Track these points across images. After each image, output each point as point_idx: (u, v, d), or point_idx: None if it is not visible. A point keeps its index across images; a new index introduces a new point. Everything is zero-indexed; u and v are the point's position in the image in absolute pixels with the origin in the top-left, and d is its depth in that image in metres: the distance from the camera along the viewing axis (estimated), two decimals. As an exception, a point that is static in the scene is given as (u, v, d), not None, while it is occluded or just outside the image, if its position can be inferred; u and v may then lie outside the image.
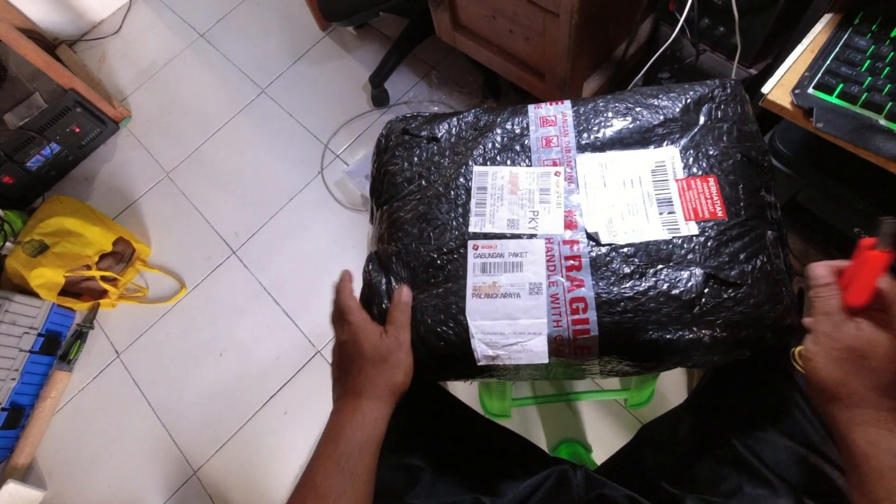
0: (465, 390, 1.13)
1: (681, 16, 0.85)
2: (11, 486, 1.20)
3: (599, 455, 1.08)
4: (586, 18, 0.84)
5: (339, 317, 0.53)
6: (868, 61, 0.57)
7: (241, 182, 1.53)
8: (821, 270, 0.44)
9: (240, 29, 1.77)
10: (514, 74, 1.10)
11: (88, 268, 1.38)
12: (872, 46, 0.57)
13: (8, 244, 1.40)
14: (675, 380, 1.10)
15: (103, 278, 1.40)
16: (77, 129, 1.57)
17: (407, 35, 1.50)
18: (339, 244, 1.38)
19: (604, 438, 1.10)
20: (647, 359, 0.53)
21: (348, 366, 0.51)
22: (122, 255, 1.46)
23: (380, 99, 1.51)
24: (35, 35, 1.73)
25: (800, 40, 0.62)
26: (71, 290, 1.41)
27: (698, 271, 0.51)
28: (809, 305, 0.43)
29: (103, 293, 1.42)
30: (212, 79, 1.71)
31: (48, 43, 1.78)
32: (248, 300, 1.37)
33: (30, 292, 1.33)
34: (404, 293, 0.54)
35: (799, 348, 0.64)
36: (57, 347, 1.38)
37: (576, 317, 0.51)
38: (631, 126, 0.59)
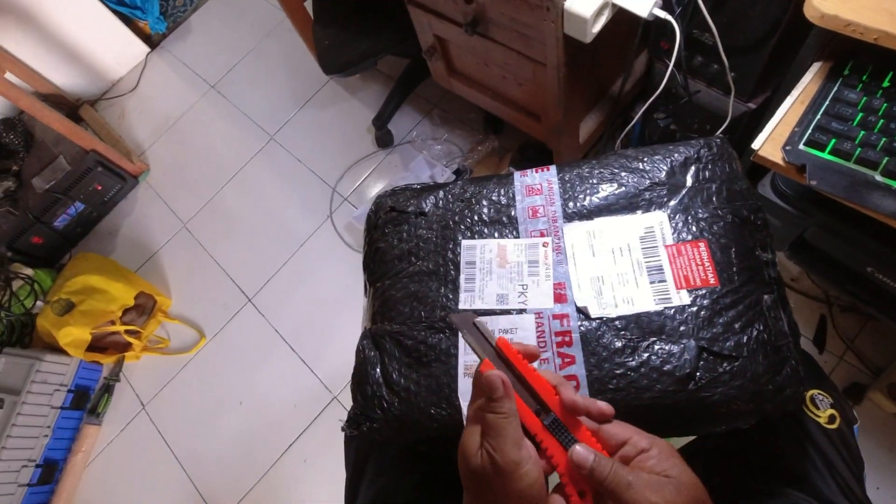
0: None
1: (671, 56, 0.84)
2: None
3: None
4: (574, 68, 0.84)
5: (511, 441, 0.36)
6: (860, 115, 0.55)
7: (253, 229, 1.57)
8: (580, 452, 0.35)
9: (248, 78, 1.83)
10: (511, 116, 1.11)
11: (113, 323, 1.43)
12: (864, 98, 0.55)
13: (38, 303, 1.47)
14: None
15: (127, 332, 1.45)
16: (99, 187, 1.64)
17: (407, 76, 1.52)
18: (351, 289, 1.40)
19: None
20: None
21: None
22: (144, 308, 1.51)
23: (384, 140, 1.54)
24: (59, 98, 1.82)
25: (789, 90, 0.61)
26: (97, 344, 1.46)
27: (692, 344, 0.50)
28: None
29: (127, 346, 1.47)
30: (224, 128, 1.76)
31: (71, 104, 1.87)
32: (265, 347, 1.40)
33: (59, 350, 1.38)
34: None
35: (812, 392, 0.62)
36: (86, 402, 1.42)
37: (568, 396, 0.51)
38: (617, 192, 0.58)
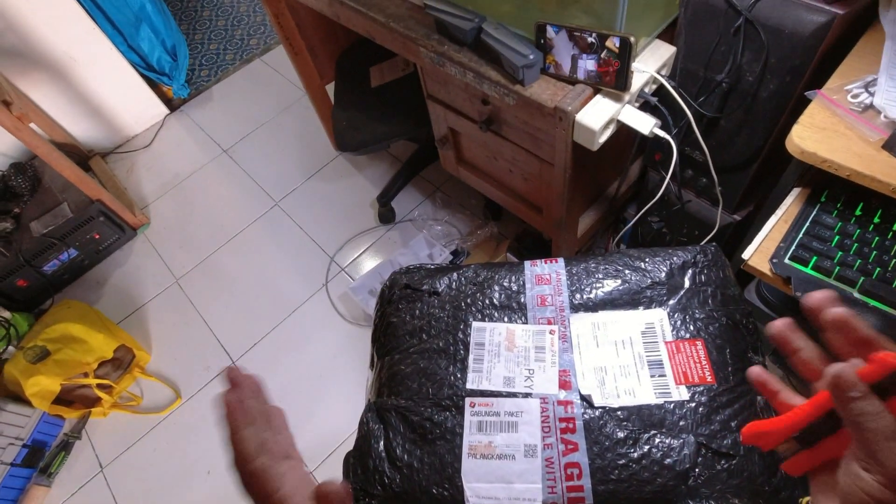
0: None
1: (667, 167, 0.93)
2: None
3: None
4: (579, 170, 0.92)
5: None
6: (837, 237, 0.62)
7: (247, 291, 1.57)
8: (851, 376, 0.28)
9: (260, 146, 1.92)
10: (513, 206, 1.18)
11: (86, 375, 1.37)
12: (839, 223, 0.62)
13: (10, 348, 1.41)
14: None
15: (99, 386, 1.39)
16: (97, 236, 1.64)
17: (414, 159, 1.62)
18: (339, 360, 1.39)
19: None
20: (645, 529, 0.52)
21: None
22: (121, 362, 1.46)
23: (386, 217, 1.60)
24: (71, 148, 1.87)
25: (773, 209, 0.68)
26: (64, 397, 1.39)
27: (691, 440, 0.52)
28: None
29: (96, 401, 1.40)
30: (230, 191, 1.82)
31: (83, 154, 1.92)
32: (243, 414, 1.35)
33: (23, 399, 1.31)
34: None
35: (807, 499, 0.63)
36: (39, 459, 1.33)
37: (570, 483, 0.51)
38: (621, 288, 0.63)
